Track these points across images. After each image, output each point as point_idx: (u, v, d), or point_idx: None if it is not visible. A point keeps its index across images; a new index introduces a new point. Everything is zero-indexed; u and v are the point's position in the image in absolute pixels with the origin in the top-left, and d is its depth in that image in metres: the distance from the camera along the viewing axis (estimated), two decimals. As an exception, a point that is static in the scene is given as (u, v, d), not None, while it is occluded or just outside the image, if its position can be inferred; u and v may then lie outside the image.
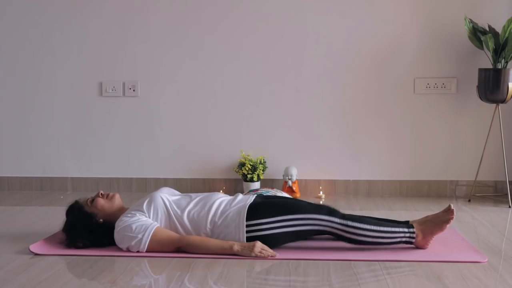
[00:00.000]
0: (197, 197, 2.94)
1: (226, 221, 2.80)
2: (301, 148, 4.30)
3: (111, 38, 4.31)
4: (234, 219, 2.79)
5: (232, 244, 2.74)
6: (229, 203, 2.89)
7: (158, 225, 2.82)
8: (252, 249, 2.72)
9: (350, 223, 2.76)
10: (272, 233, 2.77)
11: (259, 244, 2.74)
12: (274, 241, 2.79)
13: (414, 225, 2.84)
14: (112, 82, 4.34)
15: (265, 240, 2.77)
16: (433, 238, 2.84)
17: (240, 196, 2.95)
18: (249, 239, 2.77)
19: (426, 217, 2.89)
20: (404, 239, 2.81)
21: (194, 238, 2.79)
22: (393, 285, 2.39)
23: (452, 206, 2.86)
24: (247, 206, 2.81)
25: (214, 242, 2.77)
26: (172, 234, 2.80)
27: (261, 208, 2.82)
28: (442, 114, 4.23)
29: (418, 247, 2.85)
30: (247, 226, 2.77)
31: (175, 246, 2.77)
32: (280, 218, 2.78)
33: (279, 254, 2.75)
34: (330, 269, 2.59)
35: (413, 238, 2.81)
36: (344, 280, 2.46)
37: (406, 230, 2.81)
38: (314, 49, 4.24)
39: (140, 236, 2.75)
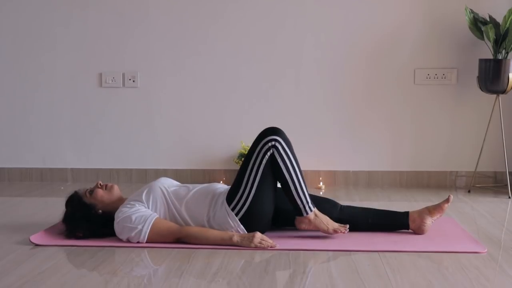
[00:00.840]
0: (195, 188, 2.94)
1: (217, 212, 2.82)
2: (301, 139, 4.29)
3: (111, 28, 4.30)
4: (222, 209, 2.81)
5: (232, 235, 2.74)
6: (223, 193, 2.90)
7: (158, 216, 2.83)
8: (251, 239, 2.72)
9: (288, 150, 2.80)
10: (252, 197, 2.78)
11: (258, 235, 2.74)
12: (260, 204, 2.81)
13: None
14: (112, 73, 4.33)
15: (253, 208, 2.78)
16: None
17: None
18: (242, 218, 2.79)
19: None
20: (299, 204, 2.81)
21: (194, 229, 2.79)
22: (392, 276, 2.39)
23: (451, 199, 2.90)
24: (226, 195, 2.85)
25: (213, 233, 2.77)
26: (172, 225, 2.81)
27: (231, 187, 2.85)
28: (442, 105, 4.23)
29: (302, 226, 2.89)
30: (233, 209, 2.79)
31: (175, 237, 2.77)
32: (245, 179, 2.80)
33: (279, 244, 2.75)
34: (330, 260, 2.60)
35: (306, 212, 2.81)
36: (344, 270, 2.47)
37: (308, 201, 2.82)
38: (314, 40, 4.23)
39: (140, 227, 2.76)
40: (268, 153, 2.79)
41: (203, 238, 2.76)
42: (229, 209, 2.80)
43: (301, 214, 2.84)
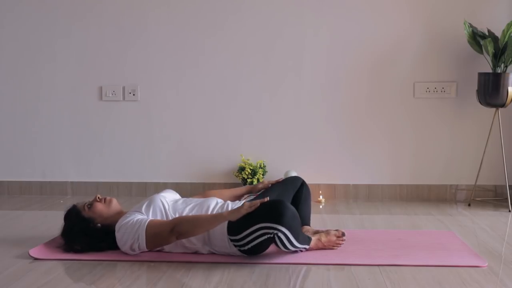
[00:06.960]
0: (193, 202, 2.93)
1: (215, 230, 2.75)
2: (301, 152, 4.30)
3: (111, 42, 4.32)
4: (222, 231, 2.74)
5: (222, 213, 2.68)
6: (220, 209, 2.87)
7: (151, 218, 2.80)
8: (240, 210, 2.64)
9: (290, 241, 2.69)
10: (258, 241, 2.69)
11: (246, 205, 2.66)
12: (261, 249, 2.76)
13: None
14: (112, 86, 4.34)
15: (256, 249, 2.73)
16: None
17: (230, 205, 2.90)
18: (242, 251, 2.75)
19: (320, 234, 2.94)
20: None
21: (187, 215, 2.76)
22: (393, 290, 2.39)
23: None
24: (227, 222, 2.73)
25: (205, 215, 2.71)
26: (164, 220, 2.77)
27: (237, 223, 2.71)
28: (442, 118, 4.23)
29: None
30: (232, 240, 2.72)
31: (170, 228, 2.69)
32: (246, 232, 2.69)
33: (278, 259, 2.74)
34: (330, 274, 2.59)
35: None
36: (344, 284, 2.46)
37: (303, 247, 2.82)
38: (315, 54, 4.24)
39: (137, 233, 2.73)
40: (267, 236, 2.66)
41: (196, 220, 2.68)
42: (227, 237, 2.73)
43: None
